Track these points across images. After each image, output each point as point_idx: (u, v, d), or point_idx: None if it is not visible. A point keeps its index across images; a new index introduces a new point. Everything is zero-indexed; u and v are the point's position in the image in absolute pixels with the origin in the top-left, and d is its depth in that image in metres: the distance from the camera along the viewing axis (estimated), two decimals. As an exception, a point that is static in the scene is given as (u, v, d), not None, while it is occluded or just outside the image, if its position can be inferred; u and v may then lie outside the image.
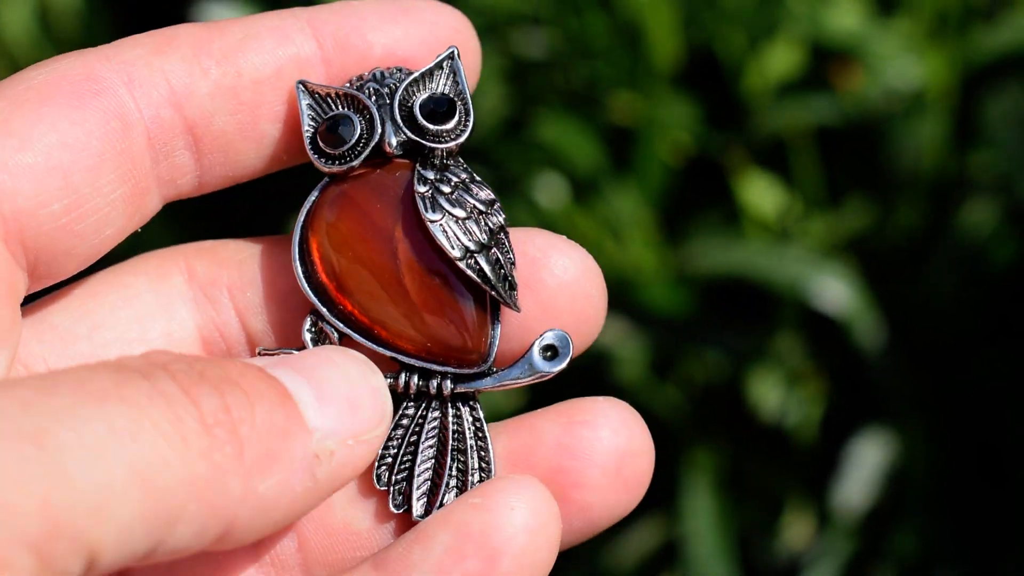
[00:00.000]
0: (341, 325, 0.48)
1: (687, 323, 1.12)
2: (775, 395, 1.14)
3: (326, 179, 0.49)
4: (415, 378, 0.48)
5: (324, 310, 0.48)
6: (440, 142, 0.48)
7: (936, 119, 1.11)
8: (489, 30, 1.14)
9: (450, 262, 0.47)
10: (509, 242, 0.48)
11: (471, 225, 0.47)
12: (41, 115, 0.45)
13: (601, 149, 1.11)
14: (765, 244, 1.12)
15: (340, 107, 0.49)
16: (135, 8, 1.68)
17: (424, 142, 0.48)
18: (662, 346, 1.15)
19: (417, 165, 0.48)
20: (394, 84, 0.49)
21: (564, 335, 0.47)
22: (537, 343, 0.47)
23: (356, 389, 0.44)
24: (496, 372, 0.48)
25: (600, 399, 0.48)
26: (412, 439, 0.48)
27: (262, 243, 0.51)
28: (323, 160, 0.49)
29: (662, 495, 1.16)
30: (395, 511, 0.48)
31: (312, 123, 0.49)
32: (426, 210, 0.47)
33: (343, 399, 0.43)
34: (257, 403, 0.41)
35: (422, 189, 0.47)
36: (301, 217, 0.49)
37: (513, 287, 0.47)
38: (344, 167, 0.48)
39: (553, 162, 1.11)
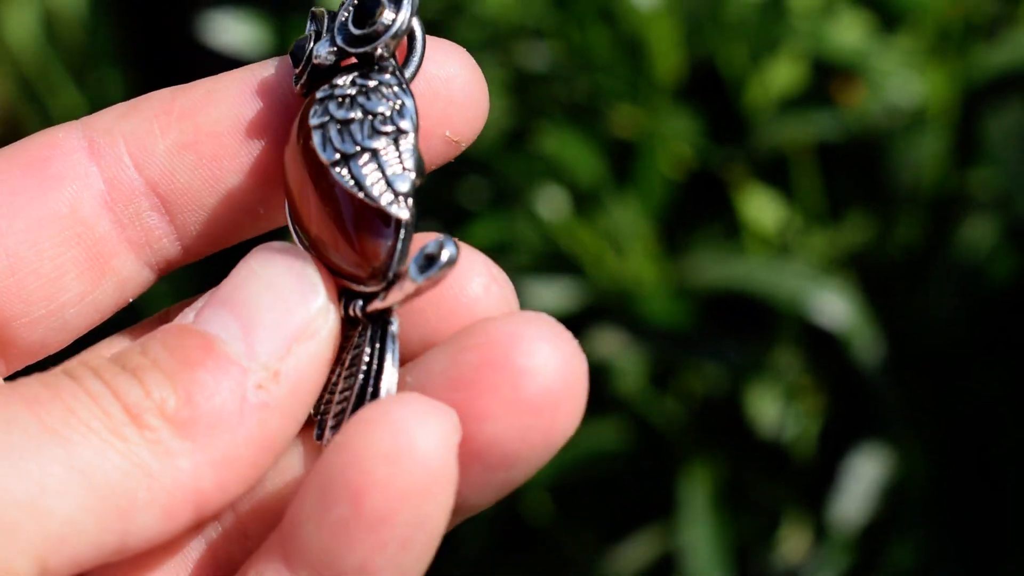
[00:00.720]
0: (297, 231, 0.45)
1: (686, 336, 1.12)
2: (774, 408, 1.14)
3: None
4: (342, 302, 0.44)
5: (292, 226, 0.45)
6: (365, 46, 0.44)
7: (937, 135, 1.11)
8: (492, 42, 1.14)
9: (326, 173, 0.43)
10: (404, 149, 0.42)
11: (354, 128, 0.43)
12: None
13: (602, 162, 1.12)
14: (765, 258, 1.12)
15: (312, 25, 0.46)
16: (140, 15, 1.69)
17: (348, 48, 0.45)
18: (661, 358, 1.15)
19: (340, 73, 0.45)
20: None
21: (440, 240, 0.41)
22: (418, 255, 0.41)
23: (282, 293, 0.41)
24: (388, 291, 0.43)
25: (516, 318, 0.40)
26: (339, 368, 0.44)
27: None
28: (294, 82, 0.45)
29: (660, 507, 1.16)
30: (318, 443, 0.43)
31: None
32: (312, 116, 0.43)
33: (268, 312, 0.40)
34: (178, 374, 0.39)
35: (320, 94, 0.44)
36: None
37: (395, 198, 0.42)
38: (300, 89, 0.45)
39: (554, 174, 1.12)
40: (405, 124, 0.42)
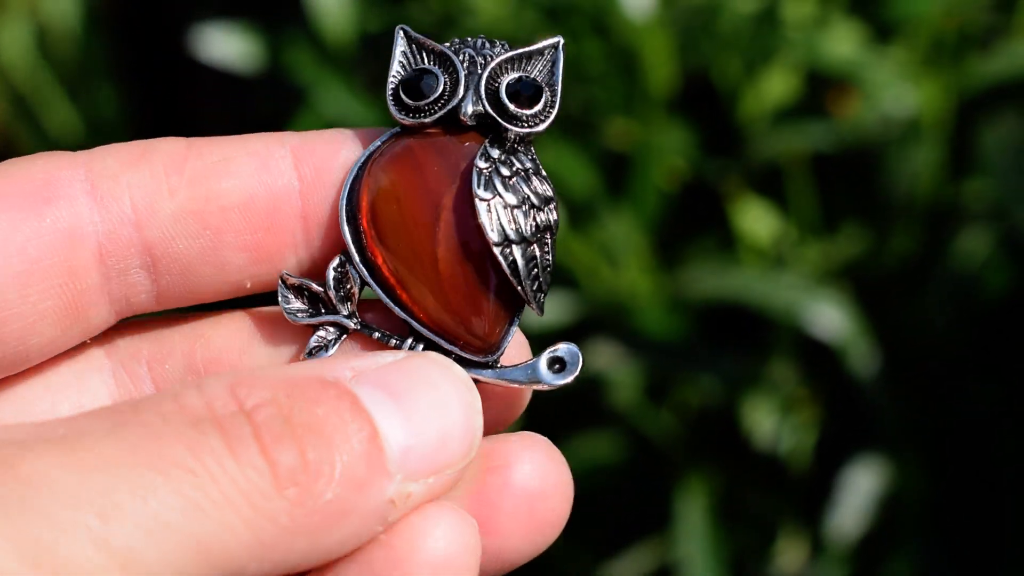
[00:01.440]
0: (366, 274, 0.46)
1: (682, 348, 1.12)
2: (769, 421, 1.14)
3: (396, 129, 0.48)
4: (420, 348, 0.46)
5: (355, 255, 0.46)
6: (516, 125, 0.47)
7: (931, 146, 1.11)
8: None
9: (487, 246, 0.45)
10: (554, 244, 0.46)
11: (518, 215, 0.45)
12: None
13: (597, 174, 1.11)
14: (760, 270, 1.12)
15: (431, 62, 0.48)
16: (133, 31, 1.69)
17: (500, 120, 0.47)
18: (656, 371, 1.15)
19: (487, 140, 0.47)
20: (490, 56, 0.48)
21: (576, 352, 0.45)
22: (548, 352, 0.46)
23: (450, 418, 0.41)
24: (499, 367, 0.46)
25: (513, 437, 0.44)
26: None
27: (182, 317, 0.48)
28: (399, 109, 0.48)
29: (656, 520, 1.16)
30: None
31: (400, 71, 0.48)
32: (478, 186, 0.46)
33: (434, 433, 0.41)
34: (339, 453, 0.38)
35: (482, 164, 0.46)
36: (363, 156, 0.47)
37: (541, 289, 0.46)
38: (416, 121, 0.47)
39: (549, 187, 1.11)
40: (556, 219, 0.46)
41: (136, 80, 1.64)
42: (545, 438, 0.45)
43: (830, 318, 1.09)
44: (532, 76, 0.48)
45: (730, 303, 1.10)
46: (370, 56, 1.26)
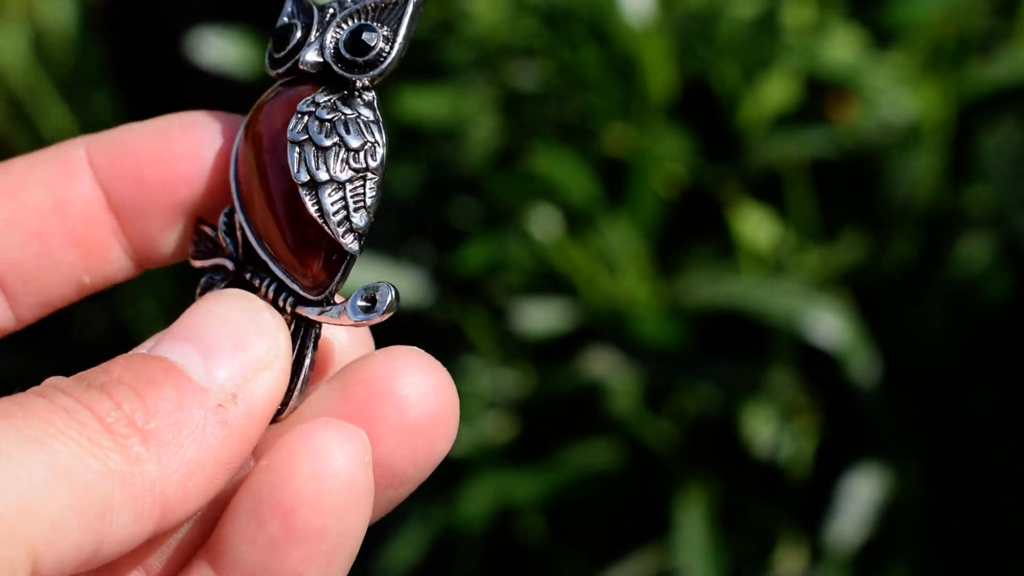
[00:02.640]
0: (243, 220, 0.47)
1: (680, 356, 1.11)
2: (768, 429, 1.13)
3: (277, 83, 0.48)
4: (272, 289, 0.47)
5: (237, 202, 0.47)
6: (349, 72, 0.46)
7: (931, 152, 1.11)
8: (482, 62, 1.14)
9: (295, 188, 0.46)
10: (375, 184, 0.46)
11: (328, 156, 0.45)
12: None
13: (595, 181, 1.11)
14: (759, 277, 1.11)
15: (301, 15, 0.48)
16: (129, 35, 1.68)
17: (334, 67, 0.47)
18: (655, 379, 1.15)
19: (320, 88, 0.47)
20: (349, 4, 0.48)
21: (388, 289, 0.45)
22: (360, 291, 0.45)
23: (239, 328, 0.44)
24: (325, 308, 0.46)
25: (395, 352, 0.45)
26: None
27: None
28: (270, 63, 0.48)
29: (655, 528, 1.16)
30: None
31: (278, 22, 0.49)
32: (292, 129, 0.46)
33: (227, 343, 0.43)
34: (145, 390, 0.42)
35: (304, 109, 0.46)
36: (256, 104, 0.48)
37: (351, 229, 0.45)
38: (273, 72, 0.48)
39: (546, 194, 1.11)
40: (375, 164, 0.45)
41: (132, 84, 1.64)
42: (425, 354, 0.45)
43: (829, 325, 1.08)
44: (373, 25, 0.47)
45: (729, 310, 1.10)
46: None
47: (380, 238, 1.20)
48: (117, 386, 0.42)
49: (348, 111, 0.46)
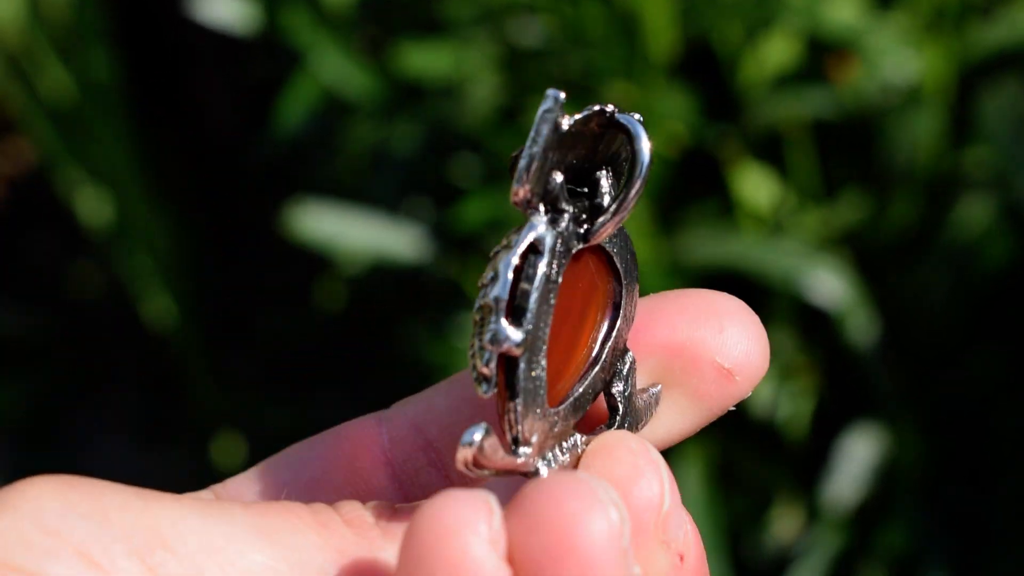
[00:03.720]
0: None
1: (680, 315, 1.11)
2: (767, 389, 1.14)
3: None
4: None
5: None
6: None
7: (932, 114, 1.11)
8: (484, 18, 1.14)
9: None
10: (492, 320, 0.40)
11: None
12: None
13: (596, 139, 1.11)
14: (759, 237, 1.11)
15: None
16: (127, -7, 1.68)
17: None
18: (654, 338, 1.15)
19: None
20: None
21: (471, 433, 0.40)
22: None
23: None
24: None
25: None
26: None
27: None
28: None
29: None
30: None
31: None
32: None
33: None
34: (411, 512, 0.40)
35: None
36: None
37: (478, 376, 0.40)
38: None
39: (547, 151, 1.11)
40: (490, 299, 0.39)
41: (130, 42, 1.63)
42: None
43: (829, 285, 1.08)
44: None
45: (729, 269, 1.10)
46: (368, 18, 1.25)
47: (380, 194, 1.20)
48: (384, 507, 0.40)
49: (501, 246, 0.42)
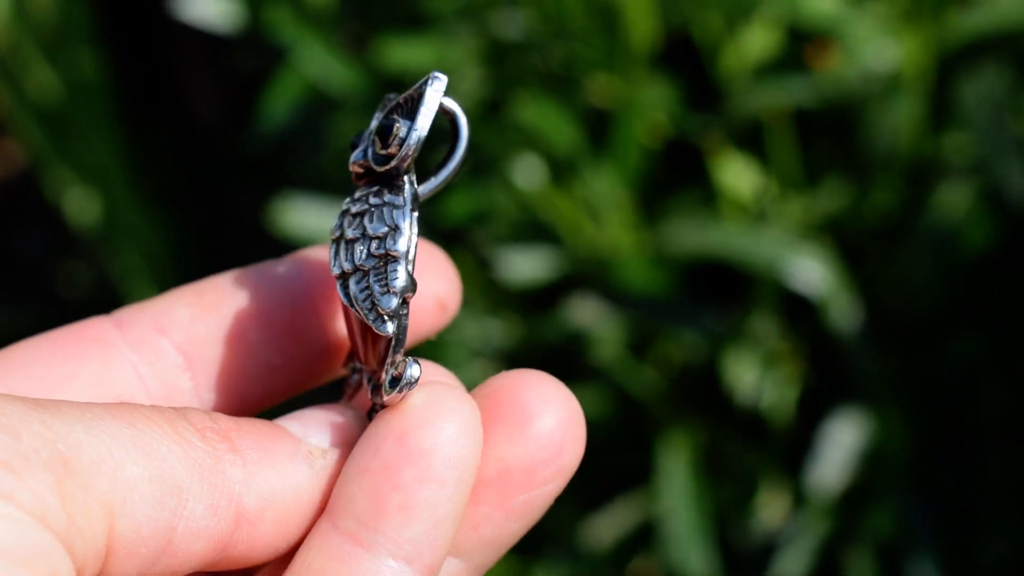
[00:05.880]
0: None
1: (664, 304, 1.12)
2: (751, 375, 1.14)
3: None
4: (366, 380, 0.50)
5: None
6: (380, 164, 0.49)
7: (912, 101, 1.11)
8: (466, 12, 1.14)
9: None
10: (399, 269, 0.48)
11: (355, 248, 0.48)
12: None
13: (579, 130, 1.12)
14: (742, 225, 1.12)
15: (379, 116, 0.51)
16: (112, -8, 1.68)
17: (372, 165, 0.49)
18: (639, 326, 1.16)
19: (370, 185, 0.50)
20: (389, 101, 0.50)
21: (412, 364, 0.47)
22: (389, 370, 0.48)
23: (329, 413, 0.48)
24: (379, 391, 0.49)
25: (533, 382, 0.47)
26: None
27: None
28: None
29: (639, 474, 1.17)
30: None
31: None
32: (334, 226, 0.49)
33: (323, 420, 0.47)
34: (243, 423, 0.45)
35: (343, 207, 0.49)
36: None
37: (379, 316, 0.48)
38: (356, 179, 0.51)
39: (531, 143, 1.12)
40: (396, 249, 0.48)
41: (116, 41, 1.64)
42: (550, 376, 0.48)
43: (812, 272, 1.09)
44: (395, 117, 0.49)
45: (712, 258, 1.11)
46: (351, 15, 1.26)
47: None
48: (221, 417, 0.45)
49: (375, 200, 0.49)
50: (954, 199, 1.12)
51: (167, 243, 1.57)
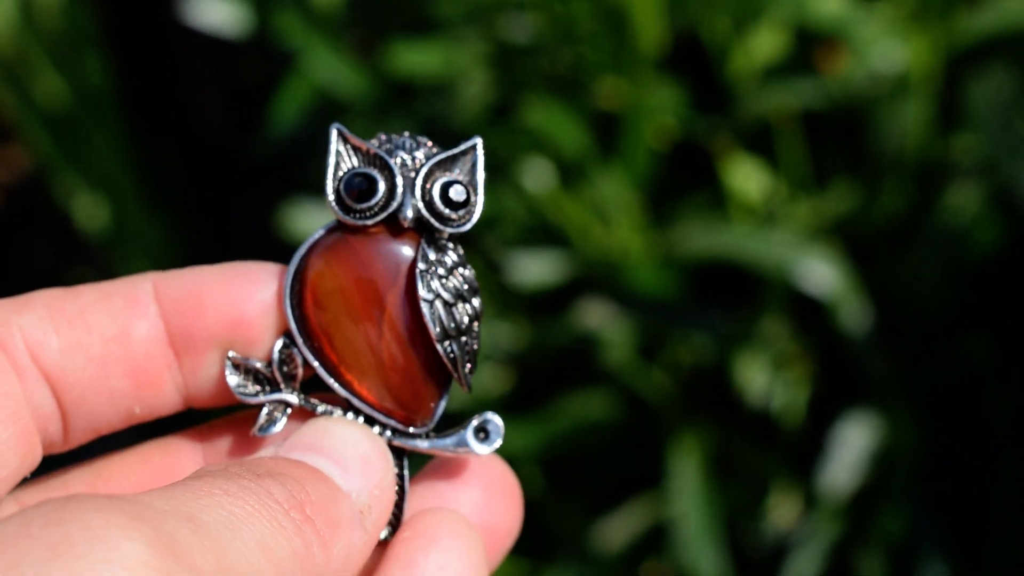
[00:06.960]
0: (311, 356, 0.52)
1: (674, 306, 1.12)
2: (761, 378, 1.14)
3: (335, 222, 0.53)
4: (360, 420, 0.52)
5: (299, 338, 0.51)
6: (448, 225, 0.51)
7: (920, 102, 1.11)
8: (474, 16, 1.14)
9: (429, 340, 0.51)
10: (479, 328, 0.52)
11: (454, 311, 0.51)
12: None
13: (587, 134, 1.12)
14: (751, 227, 1.12)
15: (366, 163, 0.52)
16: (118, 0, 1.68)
17: (435, 223, 0.51)
18: (649, 329, 1.16)
19: (423, 241, 0.51)
20: (421, 160, 0.52)
21: (498, 423, 0.51)
22: (473, 422, 0.52)
23: (361, 448, 0.49)
24: (432, 437, 0.52)
25: (438, 518, 0.51)
26: None
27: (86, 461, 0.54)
28: (340, 209, 0.52)
29: (649, 477, 1.17)
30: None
31: (335, 170, 0.53)
32: (422, 288, 0.51)
33: (357, 460, 0.49)
34: (306, 484, 0.46)
35: (423, 267, 0.51)
36: (304, 246, 0.52)
37: (471, 372, 0.51)
38: (359, 223, 0.52)
39: (539, 147, 1.12)
40: (480, 317, 0.52)
41: (123, 47, 1.64)
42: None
43: (821, 274, 1.09)
44: (457, 178, 0.52)
45: (721, 261, 1.10)
46: (358, 19, 1.26)
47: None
48: (284, 477, 0.46)
49: (453, 261, 0.51)
50: (963, 200, 1.12)
51: (175, 248, 1.57)
